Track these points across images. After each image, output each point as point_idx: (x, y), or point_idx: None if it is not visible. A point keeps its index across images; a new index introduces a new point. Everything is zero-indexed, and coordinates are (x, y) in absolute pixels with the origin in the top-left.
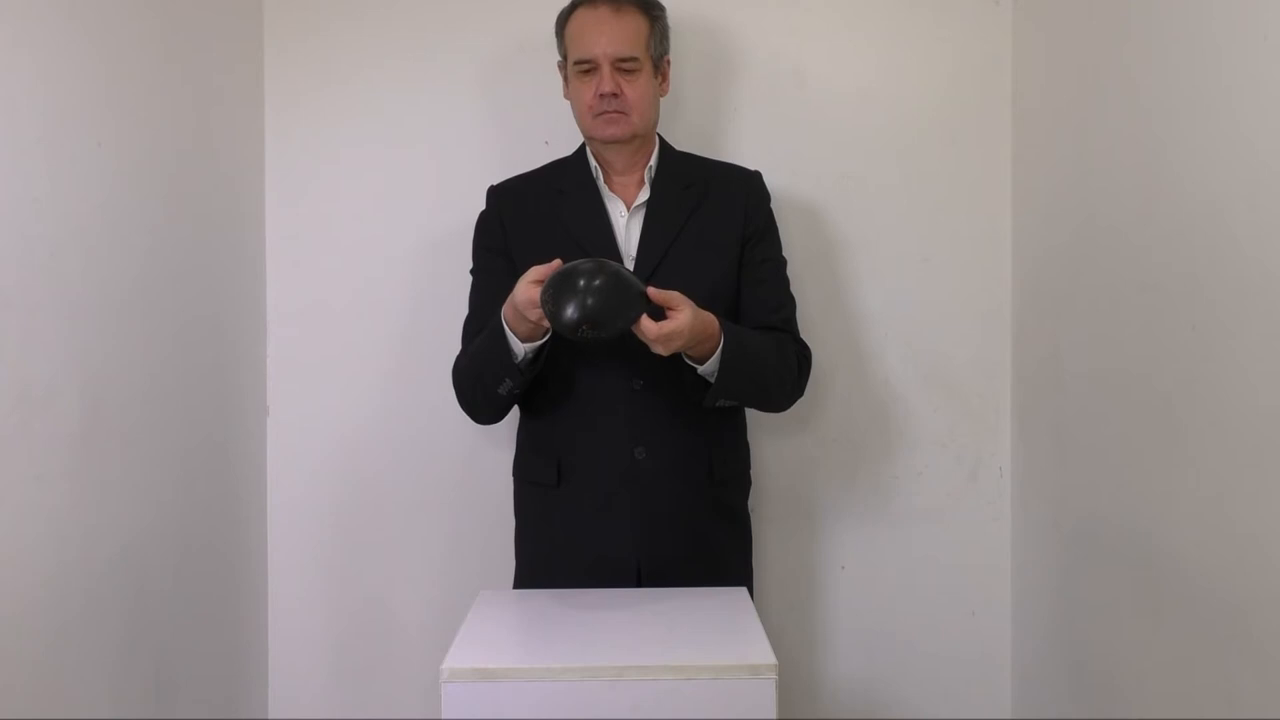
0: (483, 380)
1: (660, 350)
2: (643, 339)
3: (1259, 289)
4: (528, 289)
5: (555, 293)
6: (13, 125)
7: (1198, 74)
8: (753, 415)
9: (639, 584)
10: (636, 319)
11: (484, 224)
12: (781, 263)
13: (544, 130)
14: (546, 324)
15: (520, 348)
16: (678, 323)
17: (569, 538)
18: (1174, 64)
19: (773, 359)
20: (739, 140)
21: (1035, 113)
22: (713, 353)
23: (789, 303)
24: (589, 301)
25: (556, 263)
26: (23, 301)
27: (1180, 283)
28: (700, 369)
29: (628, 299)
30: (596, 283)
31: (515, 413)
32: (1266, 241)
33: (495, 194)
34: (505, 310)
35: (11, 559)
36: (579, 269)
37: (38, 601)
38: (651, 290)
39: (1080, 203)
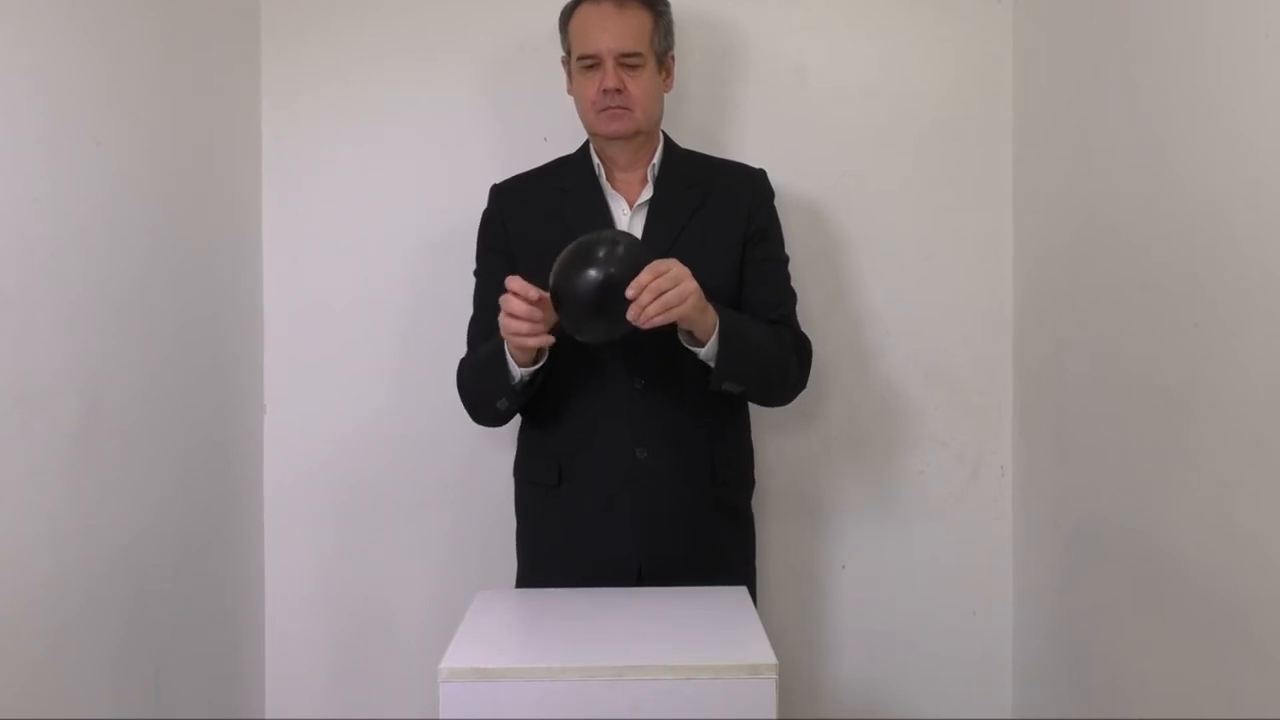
0: (481, 393)
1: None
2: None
3: (1260, 288)
4: (510, 321)
5: (570, 264)
6: (11, 124)
7: (1199, 73)
8: (755, 413)
9: (640, 584)
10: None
11: (486, 223)
12: (783, 261)
13: (543, 127)
14: (532, 345)
15: (518, 371)
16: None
17: (570, 537)
18: (1175, 62)
19: (772, 345)
20: (740, 138)
21: (1036, 111)
22: (710, 332)
23: (789, 299)
24: (613, 267)
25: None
26: (21, 301)
27: (1182, 281)
28: (700, 353)
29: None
30: (619, 249)
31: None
32: (1268, 240)
33: (497, 193)
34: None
35: (10, 559)
36: (594, 241)
37: (37, 602)
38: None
39: (1081, 201)
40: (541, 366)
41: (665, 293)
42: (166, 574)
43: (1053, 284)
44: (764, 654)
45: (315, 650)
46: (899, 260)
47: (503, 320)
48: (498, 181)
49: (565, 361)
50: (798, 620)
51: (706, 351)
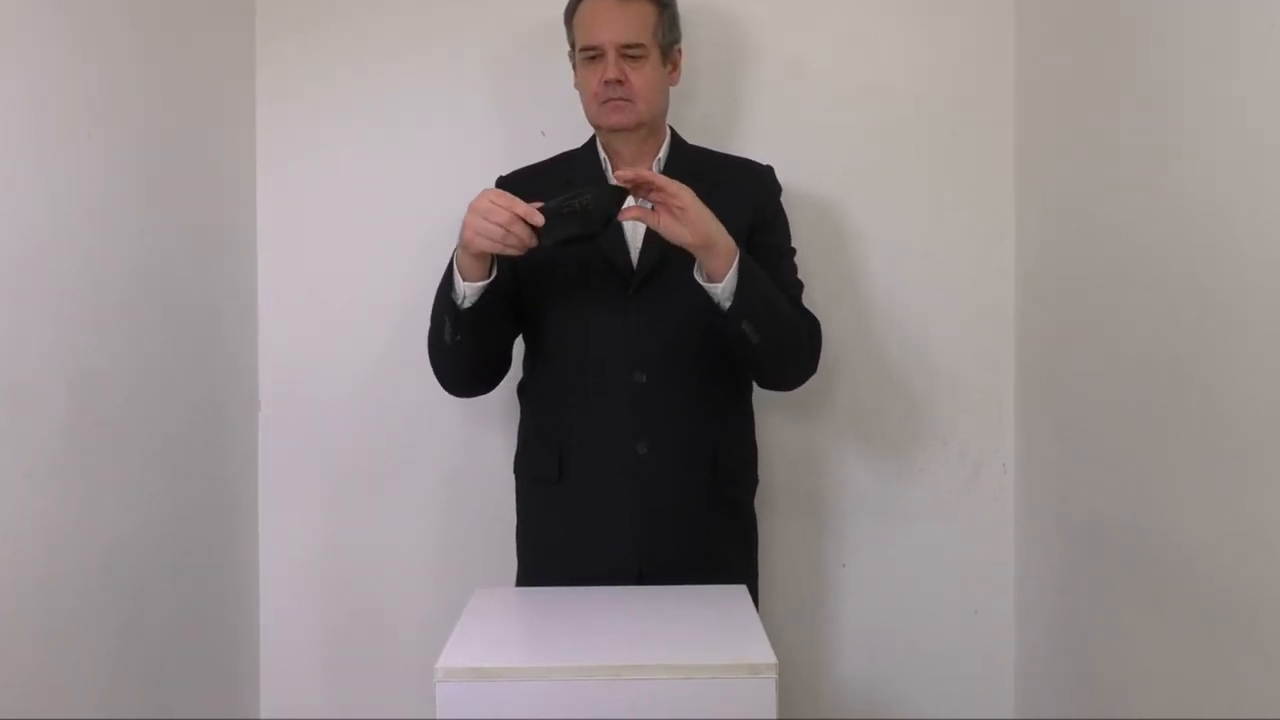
0: (435, 329)
1: (677, 211)
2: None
3: (1264, 283)
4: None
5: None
6: (3, 118)
7: (1201, 67)
8: (756, 411)
9: (640, 582)
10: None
11: None
12: (788, 251)
13: (541, 122)
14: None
15: (462, 287)
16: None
17: (570, 535)
18: (1177, 56)
19: (787, 304)
20: (744, 134)
21: (1038, 106)
22: (727, 267)
23: (796, 285)
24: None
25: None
26: (11, 295)
27: (1184, 277)
28: (717, 290)
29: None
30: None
31: (517, 408)
32: (1271, 235)
33: (502, 185)
34: (459, 250)
35: (3, 558)
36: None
37: (30, 601)
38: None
39: (1084, 196)
40: (489, 285)
41: (664, 189)
42: (161, 572)
43: (1055, 280)
44: (764, 653)
45: (311, 649)
46: (900, 256)
47: (470, 217)
48: (503, 174)
49: (564, 355)
50: (798, 619)
51: (724, 287)
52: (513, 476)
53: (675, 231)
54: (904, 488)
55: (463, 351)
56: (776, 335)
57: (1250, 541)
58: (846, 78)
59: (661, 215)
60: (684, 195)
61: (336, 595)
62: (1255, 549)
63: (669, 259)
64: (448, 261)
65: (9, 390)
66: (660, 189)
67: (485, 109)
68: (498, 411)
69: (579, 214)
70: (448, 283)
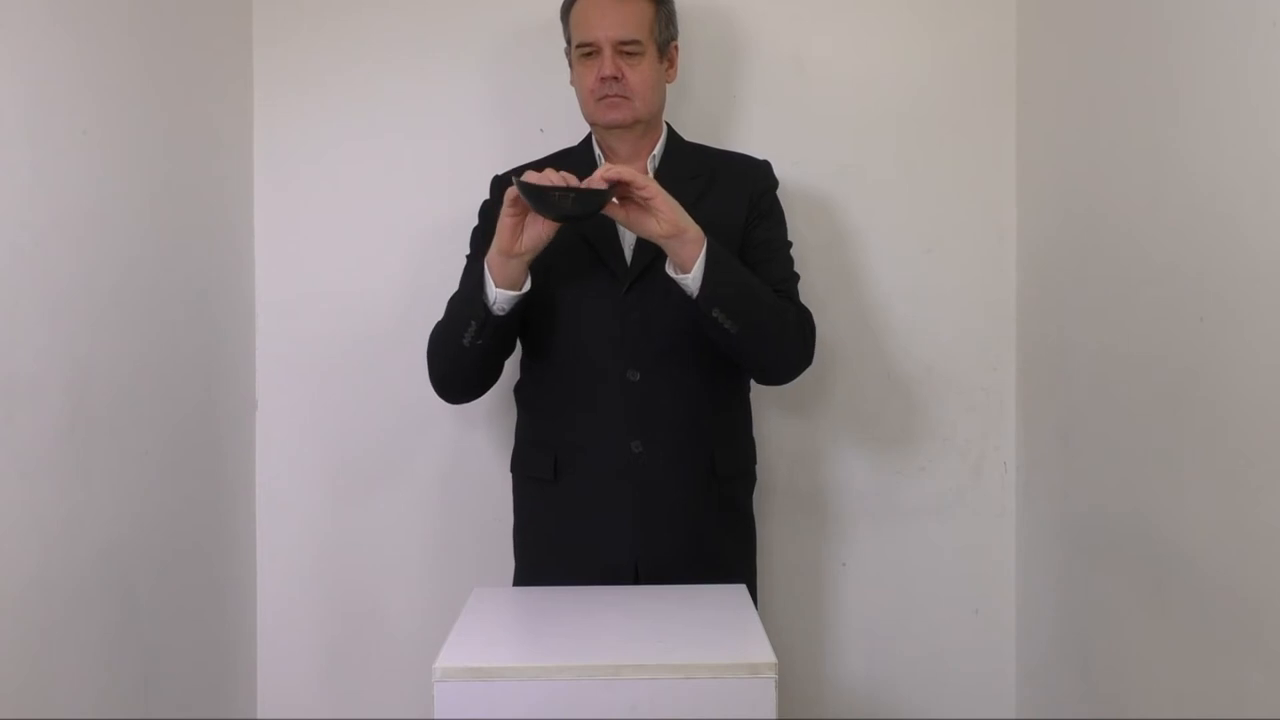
0: (452, 330)
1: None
2: (631, 192)
3: (1268, 281)
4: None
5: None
6: None
7: (1204, 61)
8: (755, 408)
9: (637, 582)
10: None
11: (486, 212)
12: (784, 244)
13: (540, 119)
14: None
15: (494, 291)
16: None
17: (567, 534)
18: (1180, 51)
19: (768, 292)
20: (744, 131)
21: (1040, 101)
22: (695, 257)
23: (791, 278)
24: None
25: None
26: (7, 292)
27: (1187, 274)
28: (688, 279)
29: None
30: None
31: (513, 407)
32: (1275, 232)
33: (498, 183)
34: (491, 251)
35: None
36: None
37: (24, 599)
38: (609, 172)
39: (1086, 193)
40: (522, 296)
41: (632, 181)
42: (157, 572)
43: (1056, 277)
44: (764, 653)
45: (308, 649)
46: (901, 253)
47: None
48: (499, 173)
49: (559, 353)
50: (798, 619)
51: (694, 276)
52: (510, 476)
53: (643, 224)
54: (904, 486)
55: (477, 355)
56: (755, 322)
57: (1251, 541)
58: (846, 75)
59: (630, 209)
60: (650, 186)
61: (334, 594)
62: (1256, 548)
63: (663, 257)
64: (474, 266)
65: (4, 388)
66: (628, 182)
67: (483, 107)
68: (494, 411)
69: (571, 195)
70: (477, 285)
